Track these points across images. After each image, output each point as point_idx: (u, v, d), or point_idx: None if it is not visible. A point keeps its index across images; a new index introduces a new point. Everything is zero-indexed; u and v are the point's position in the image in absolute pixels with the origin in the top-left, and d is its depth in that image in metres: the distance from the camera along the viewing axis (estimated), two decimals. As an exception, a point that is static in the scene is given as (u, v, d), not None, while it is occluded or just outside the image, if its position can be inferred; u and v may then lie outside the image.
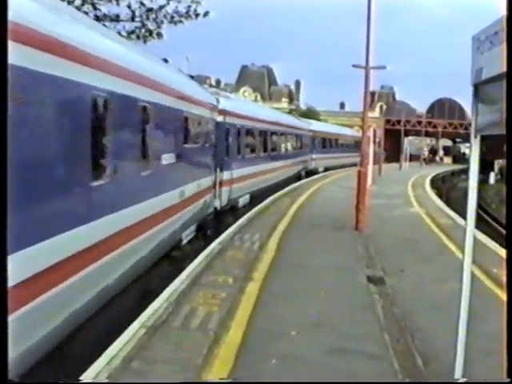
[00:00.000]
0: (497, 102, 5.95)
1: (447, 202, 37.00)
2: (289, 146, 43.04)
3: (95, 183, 9.27)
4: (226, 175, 23.74)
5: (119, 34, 23.09)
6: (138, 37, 25.22)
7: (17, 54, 6.45)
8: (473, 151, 6.58)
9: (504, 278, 13.52)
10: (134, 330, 9.45)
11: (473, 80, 6.29)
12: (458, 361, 6.71)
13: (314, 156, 56.05)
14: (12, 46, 4.17)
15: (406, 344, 9.50)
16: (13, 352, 4.34)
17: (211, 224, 21.83)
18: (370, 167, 37.45)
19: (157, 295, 11.55)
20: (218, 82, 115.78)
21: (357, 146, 55.77)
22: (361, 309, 11.40)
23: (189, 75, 22.90)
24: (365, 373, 8.25)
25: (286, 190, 36.50)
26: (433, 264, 15.70)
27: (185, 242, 17.21)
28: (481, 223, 32.04)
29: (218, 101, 23.40)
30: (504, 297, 12.01)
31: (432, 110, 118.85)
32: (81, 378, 7.61)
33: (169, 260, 15.44)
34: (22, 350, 6.95)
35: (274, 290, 12.43)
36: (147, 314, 10.30)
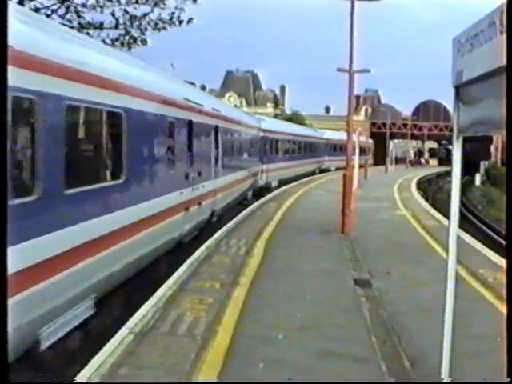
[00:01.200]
0: (478, 103, 6.01)
1: (433, 204, 37.14)
2: (306, 150, 61.10)
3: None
4: (265, 166, 40.76)
5: (103, 42, 23.10)
6: (123, 44, 25.19)
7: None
8: (455, 152, 6.62)
9: (490, 279, 13.60)
10: (122, 336, 9.43)
11: (454, 82, 6.33)
12: (444, 362, 6.74)
13: (326, 158, 73.04)
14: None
15: (393, 346, 9.52)
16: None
17: (257, 194, 37.77)
18: (356, 171, 37.62)
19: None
20: (203, 88, 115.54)
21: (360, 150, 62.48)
22: (348, 312, 11.42)
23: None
24: (353, 375, 8.27)
25: (273, 194, 36.69)
26: (419, 266, 15.73)
27: (249, 197, 34.67)
28: (467, 225, 32.17)
29: (259, 123, 40.79)
30: (490, 298, 12.10)
31: (417, 112, 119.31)
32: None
33: (243, 204, 30.93)
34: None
35: (260, 294, 12.43)
36: (135, 320, 10.28)
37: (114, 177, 11.46)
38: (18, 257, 7.11)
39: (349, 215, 21.08)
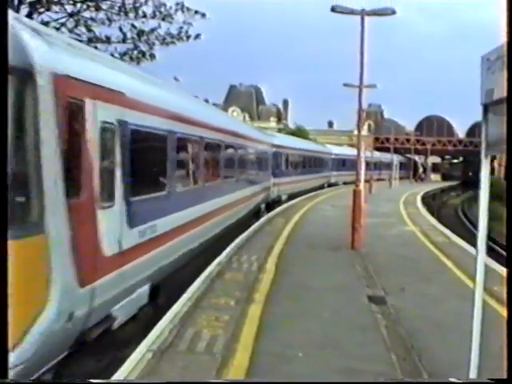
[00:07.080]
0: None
1: (438, 219, 37.07)
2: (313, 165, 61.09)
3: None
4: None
5: (112, 55, 23.14)
6: (132, 58, 25.26)
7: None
8: (483, 171, 6.57)
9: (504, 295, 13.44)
10: (141, 353, 9.38)
11: (483, 100, 6.31)
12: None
13: (334, 173, 73.90)
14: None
15: (413, 363, 9.47)
16: None
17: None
18: (362, 185, 37.56)
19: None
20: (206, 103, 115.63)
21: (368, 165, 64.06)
22: (365, 329, 11.37)
23: None
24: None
25: (279, 209, 36.58)
26: (432, 282, 15.66)
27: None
28: (474, 240, 32.08)
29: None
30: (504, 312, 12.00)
31: (420, 127, 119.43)
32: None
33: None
34: None
35: (276, 311, 12.38)
36: (152, 337, 10.24)
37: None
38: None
39: (358, 230, 21.04)
